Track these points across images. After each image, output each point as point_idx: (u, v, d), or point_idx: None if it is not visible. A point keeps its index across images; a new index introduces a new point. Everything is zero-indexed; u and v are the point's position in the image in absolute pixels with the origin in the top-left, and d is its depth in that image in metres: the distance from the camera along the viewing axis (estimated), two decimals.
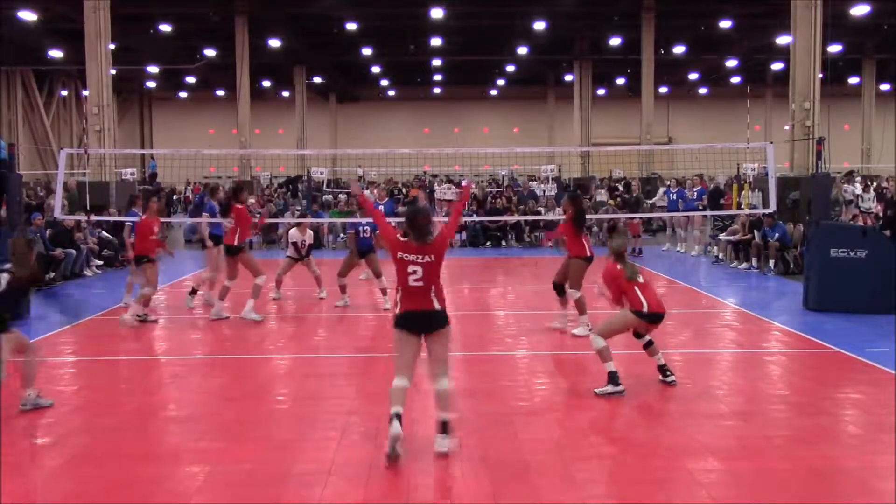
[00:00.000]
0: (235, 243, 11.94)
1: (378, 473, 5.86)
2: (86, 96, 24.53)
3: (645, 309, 7.84)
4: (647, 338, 8.24)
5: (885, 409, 7.41)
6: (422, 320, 6.25)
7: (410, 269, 6.20)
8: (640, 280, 8.06)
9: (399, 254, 6.24)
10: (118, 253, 18.64)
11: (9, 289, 7.21)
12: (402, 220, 14.84)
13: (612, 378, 7.80)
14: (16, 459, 6.19)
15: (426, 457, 6.17)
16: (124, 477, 5.89)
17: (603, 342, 7.86)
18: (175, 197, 29.56)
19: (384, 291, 12.92)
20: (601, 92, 47.04)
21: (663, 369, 8.18)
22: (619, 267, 8.05)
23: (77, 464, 6.21)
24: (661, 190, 23.90)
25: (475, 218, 22.63)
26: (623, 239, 8.56)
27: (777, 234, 16.63)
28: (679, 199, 20.86)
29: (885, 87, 46.15)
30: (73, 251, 16.38)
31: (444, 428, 6.13)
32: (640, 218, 21.93)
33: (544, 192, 26.12)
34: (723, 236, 19.05)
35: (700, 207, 21.03)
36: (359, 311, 12.86)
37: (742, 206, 20.73)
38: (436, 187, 27.36)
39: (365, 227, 12.98)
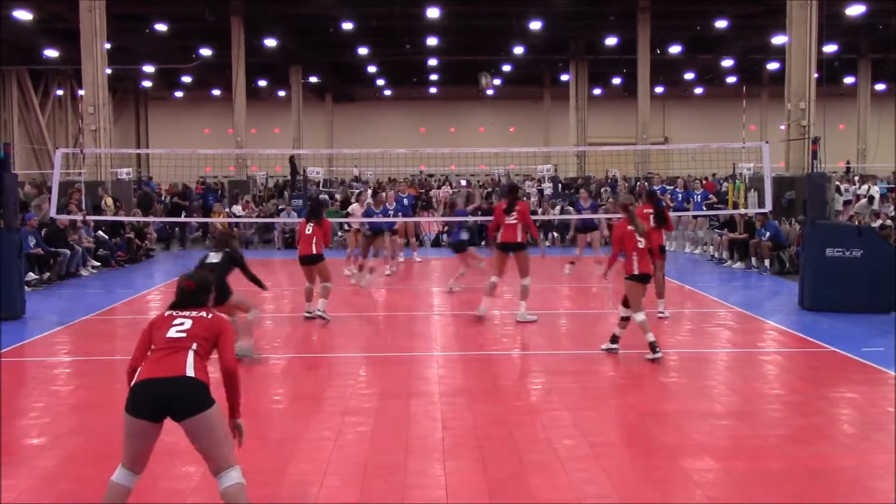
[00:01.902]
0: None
1: (374, 473, 5.86)
2: (81, 96, 24.50)
3: (635, 272, 9.05)
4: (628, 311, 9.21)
5: (879, 408, 7.43)
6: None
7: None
8: (641, 246, 9.12)
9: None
10: (114, 253, 18.64)
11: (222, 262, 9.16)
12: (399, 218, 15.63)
13: (652, 347, 8.99)
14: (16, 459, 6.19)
15: (422, 457, 6.17)
16: None
17: (642, 315, 9.06)
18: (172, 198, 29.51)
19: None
20: (597, 92, 47.06)
21: (652, 346, 9.02)
22: (629, 227, 9.19)
23: (73, 464, 6.20)
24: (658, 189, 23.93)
25: (470, 218, 22.62)
26: (630, 196, 10.06)
27: (768, 234, 16.65)
28: (686, 200, 20.90)
29: (880, 86, 46.22)
30: (68, 251, 16.34)
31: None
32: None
33: (542, 191, 26.15)
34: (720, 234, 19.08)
35: (704, 209, 21.07)
36: (356, 311, 12.86)
37: (738, 206, 20.76)
38: (441, 188, 27.35)
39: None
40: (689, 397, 7.85)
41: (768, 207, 15.58)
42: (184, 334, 4.79)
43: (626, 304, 9.24)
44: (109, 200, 21.32)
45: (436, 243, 23.54)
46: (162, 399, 4.58)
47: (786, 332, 10.86)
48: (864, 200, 23.16)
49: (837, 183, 25.71)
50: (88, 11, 22.23)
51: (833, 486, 5.70)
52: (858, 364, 9.01)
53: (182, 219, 24.29)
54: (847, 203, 24.77)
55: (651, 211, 11.39)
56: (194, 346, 4.74)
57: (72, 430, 7.01)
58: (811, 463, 6.08)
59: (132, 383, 4.68)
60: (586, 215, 17.61)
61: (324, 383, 8.61)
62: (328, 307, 11.72)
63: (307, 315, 11.81)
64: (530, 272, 11.48)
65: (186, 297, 5.05)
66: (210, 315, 4.96)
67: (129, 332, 11.70)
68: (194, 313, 4.94)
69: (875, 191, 25.22)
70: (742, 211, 18.73)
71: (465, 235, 14.56)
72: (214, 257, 9.22)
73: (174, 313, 4.96)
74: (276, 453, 6.27)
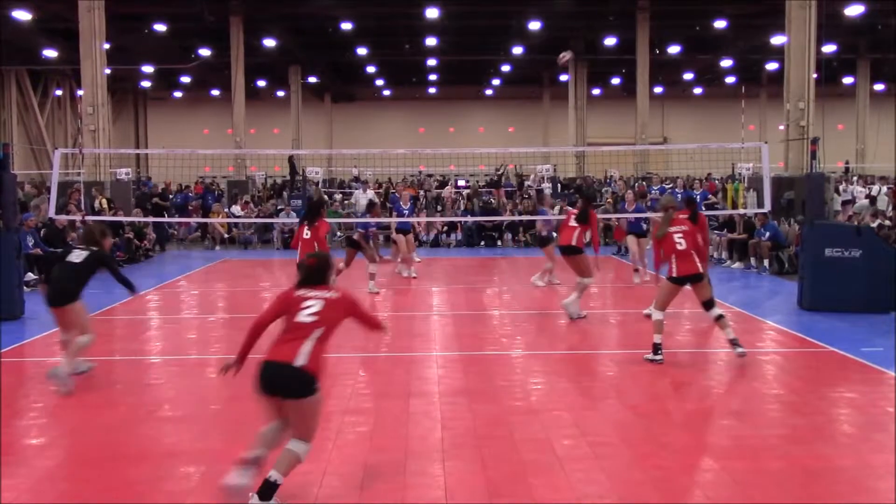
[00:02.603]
0: None
1: (373, 473, 5.86)
2: (80, 96, 24.49)
3: (674, 274, 8.97)
4: (716, 311, 9.14)
5: (879, 408, 7.44)
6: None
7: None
8: (681, 248, 9.01)
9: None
10: (112, 253, 18.58)
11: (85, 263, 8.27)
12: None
13: (655, 348, 8.95)
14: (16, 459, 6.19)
15: (422, 457, 6.17)
16: (119, 477, 5.88)
17: (660, 315, 9.05)
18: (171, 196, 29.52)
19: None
20: (596, 92, 47.04)
21: (733, 342, 9.03)
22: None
23: (72, 464, 6.20)
24: (656, 188, 23.93)
25: (469, 218, 22.64)
26: (671, 197, 10.15)
27: (768, 234, 16.66)
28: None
29: (879, 87, 46.24)
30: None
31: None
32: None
33: (541, 191, 26.12)
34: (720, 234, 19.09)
35: (704, 209, 21.07)
36: None
37: (737, 206, 20.78)
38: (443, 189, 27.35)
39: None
40: (689, 397, 7.86)
41: (767, 207, 15.59)
42: (314, 317, 5.25)
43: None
44: (104, 201, 21.30)
45: (435, 244, 23.56)
46: (274, 380, 5.21)
47: (785, 332, 10.87)
48: (865, 200, 23.17)
49: (846, 183, 25.72)
50: (87, 11, 22.23)
51: (833, 486, 5.70)
52: (858, 364, 9.02)
53: (181, 219, 24.30)
54: (846, 203, 24.78)
55: (687, 216, 11.28)
56: (318, 332, 5.24)
57: (71, 430, 7.01)
58: (811, 463, 6.08)
59: (261, 361, 5.25)
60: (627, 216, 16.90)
61: (323, 383, 8.58)
62: None
63: None
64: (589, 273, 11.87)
65: (310, 275, 5.45)
66: (338, 294, 5.42)
67: (127, 332, 11.70)
68: (323, 293, 5.37)
69: (881, 191, 25.25)
70: (741, 211, 18.74)
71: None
72: (76, 256, 8.34)
73: (304, 293, 5.39)
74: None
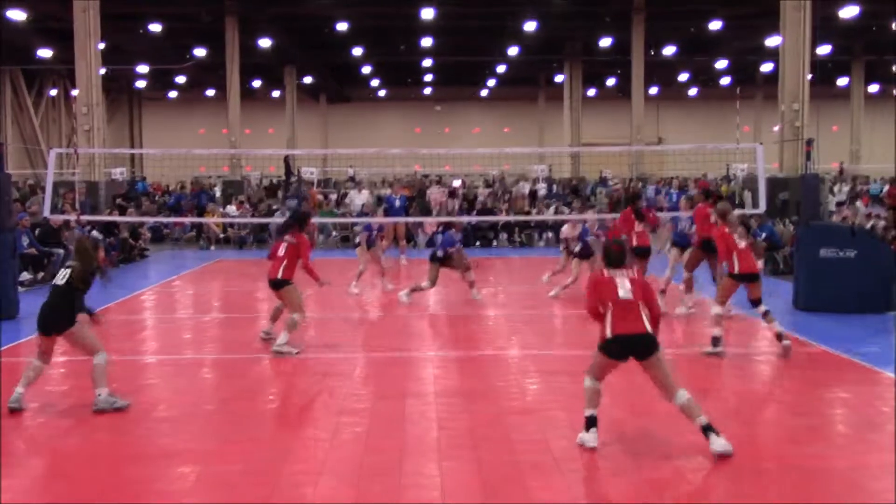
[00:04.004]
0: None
1: (369, 473, 5.85)
2: (75, 96, 24.44)
3: (735, 270, 9.30)
4: (763, 307, 9.42)
5: (874, 408, 7.45)
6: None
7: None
8: (742, 246, 9.38)
9: None
10: (108, 252, 18.56)
11: (67, 284, 7.42)
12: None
13: (715, 341, 9.37)
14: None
15: (417, 457, 6.17)
16: (114, 478, 5.87)
17: (720, 309, 9.48)
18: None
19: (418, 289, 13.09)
20: (591, 93, 47.11)
21: (779, 335, 9.29)
22: (727, 230, 9.48)
23: (67, 465, 6.19)
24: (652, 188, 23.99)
25: (465, 218, 22.65)
26: (727, 204, 10.41)
27: (764, 234, 16.69)
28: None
29: (873, 88, 46.36)
30: (62, 251, 16.27)
31: (709, 429, 6.16)
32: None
33: (536, 192, 26.18)
34: None
35: None
36: (350, 312, 12.84)
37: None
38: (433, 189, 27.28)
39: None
40: None
41: (763, 208, 15.61)
42: (630, 295, 6.25)
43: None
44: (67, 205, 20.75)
45: (430, 244, 23.52)
46: (633, 349, 6.24)
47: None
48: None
49: (841, 183, 25.71)
50: (82, 11, 22.18)
51: (828, 486, 5.71)
52: (852, 364, 9.03)
53: (176, 219, 24.25)
54: (840, 204, 24.83)
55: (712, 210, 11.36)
56: (640, 304, 6.26)
57: (66, 430, 6.98)
58: (806, 463, 6.09)
59: (609, 336, 6.23)
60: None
61: (319, 384, 8.59)
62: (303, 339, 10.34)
63: (262, 336, 10.32)
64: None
65: (615, 258, 6.49)
66: (636, 272, 6.50)
67: (123, 332, 11.66)
68: (627, 272, 6.41)
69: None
70: (738, 211, 18.76)
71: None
72: (60, 276, 7.53)
73: (611, 273, 6.41)
74: (271, 453, 6.26)
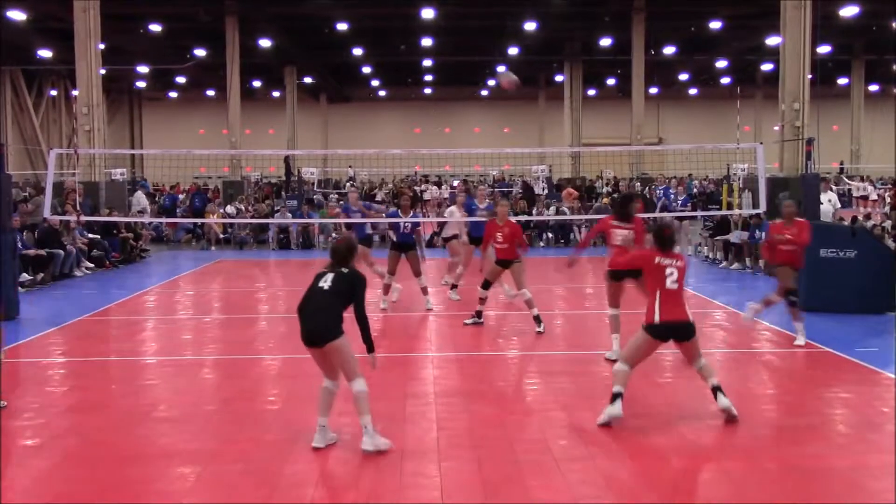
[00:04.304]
0: None
1: (369, 474, 5.85)
2: (75, 96, 24.43)
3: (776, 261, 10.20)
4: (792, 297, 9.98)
5: (874, 408, 7.46)
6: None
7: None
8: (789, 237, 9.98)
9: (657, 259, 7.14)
10: (108, 253, 18.58)
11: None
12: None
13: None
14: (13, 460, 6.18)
15: (417, 457, 6.17)
16: (115, 478, 5.88)
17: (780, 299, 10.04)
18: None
19: (424, 291, 12.80)
20: (591, 92, 47.13)
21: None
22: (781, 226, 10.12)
23: (67, 465, 6.19)
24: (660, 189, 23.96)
25: (467, 218, 22.60)
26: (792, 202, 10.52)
27: (764, 234, 16.69)
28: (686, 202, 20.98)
29: (873, 87, 46.37)
30: (62, 252, 16.29)
31: (718, 390, 6.96)
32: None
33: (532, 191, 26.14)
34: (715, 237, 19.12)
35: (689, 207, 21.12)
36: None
37: (732, 207, 20.81)
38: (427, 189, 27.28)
39: (406, 224, 12.72)
40: (684, 397, 7.86)
41: (763, 208, 15.61)
42: (676, 285, 6.97)
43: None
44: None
45: (429, 244, 23.51)
46: (673, 334, 6.90)
47: (780, 333, 10.87)
48: (828, 205, 23.17)
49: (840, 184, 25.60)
50: (83, 11, 22.17)
51: (828, 486, 5.72)
52: (852, 364, 9.03)
53: (177, 219, 24.24)
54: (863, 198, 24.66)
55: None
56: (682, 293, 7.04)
57: (67, 431, 6.99)
58: (806, 463, 6.09)
59: (656, 321, 6.86)
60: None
61: (319, 384, 8.57)
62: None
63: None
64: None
65: (667, 243, 7.08)
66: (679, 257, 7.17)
67: (123, 332, 11.68)
68: (675, 261, 7.04)
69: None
70: (737, 211, 18.78)
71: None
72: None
73: (662, 261, 7.01)
74: (271, 454, 6.26)
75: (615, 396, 6.82)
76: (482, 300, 11.25)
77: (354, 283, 6.43)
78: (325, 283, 6.43)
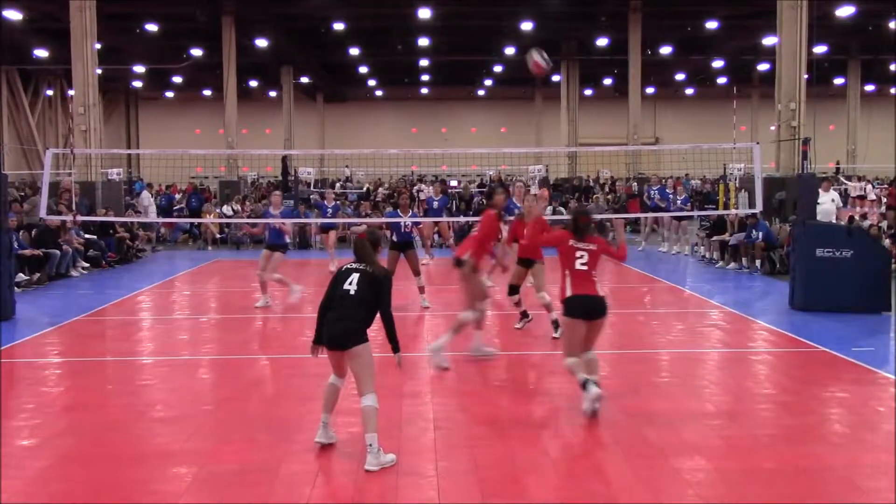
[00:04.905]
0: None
1: (366, 474, 5.85)
2: (72, 96, 24.41)
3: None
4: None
5: (870, 407, 7.47)
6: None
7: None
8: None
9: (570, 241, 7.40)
10: (104, 254, 18.55)
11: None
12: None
13: None
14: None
15: (414, 457, 6.17)
16: (111, 478, 5.87)
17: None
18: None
19: (422, 290, 12.79)
20: (588, 92, 47.11)
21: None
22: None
23: (64, 465, 6.18)
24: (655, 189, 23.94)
25: (462, 218, 22.61)
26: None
27: (760, 234, 16.72)
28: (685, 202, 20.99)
29: (869, 87, 46.42)
30: (58, 251, 16.26)
31: (589, 384, 6.99)
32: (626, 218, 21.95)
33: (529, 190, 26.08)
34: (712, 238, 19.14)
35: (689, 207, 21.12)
36: None
37: (728, 207, 20.82)
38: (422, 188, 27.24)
39: (406, 224, 12.67)
40: (681, 397, 7.87)
41: (759, 208, 15.64)
42: (585, 267, 7.24)
43: None
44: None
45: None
46: (586, 306, 7.16)
47: (776, 332, 10.89)
48: (829, 205, 23.19)
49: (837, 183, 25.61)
50: (79, 11, 22.14)
51: (824, 486, 5.72)
52: (849, 364, 9.05)
53: (173, 219, 24.22)
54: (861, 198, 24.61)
55: None
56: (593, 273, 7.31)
57: (63, 430, 6.98)
58: (802, 462, 6.10)
59: (568, 294, 7.22)
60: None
61: (315, 383, 8.58)
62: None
63: None
64: None
65: (581, 230, 7.33)
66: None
67: (119, 332, 11.67)
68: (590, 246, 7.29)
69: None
70: (734, 211, 18.79)
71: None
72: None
73: (577, 244, 7.28)
74: (268, 453, 6.26)
75: (584, 384, 7.00)
76: (517, 304, 10.88)
77: (381, 285, 6.20)
78: (351, 286, 6.15)
